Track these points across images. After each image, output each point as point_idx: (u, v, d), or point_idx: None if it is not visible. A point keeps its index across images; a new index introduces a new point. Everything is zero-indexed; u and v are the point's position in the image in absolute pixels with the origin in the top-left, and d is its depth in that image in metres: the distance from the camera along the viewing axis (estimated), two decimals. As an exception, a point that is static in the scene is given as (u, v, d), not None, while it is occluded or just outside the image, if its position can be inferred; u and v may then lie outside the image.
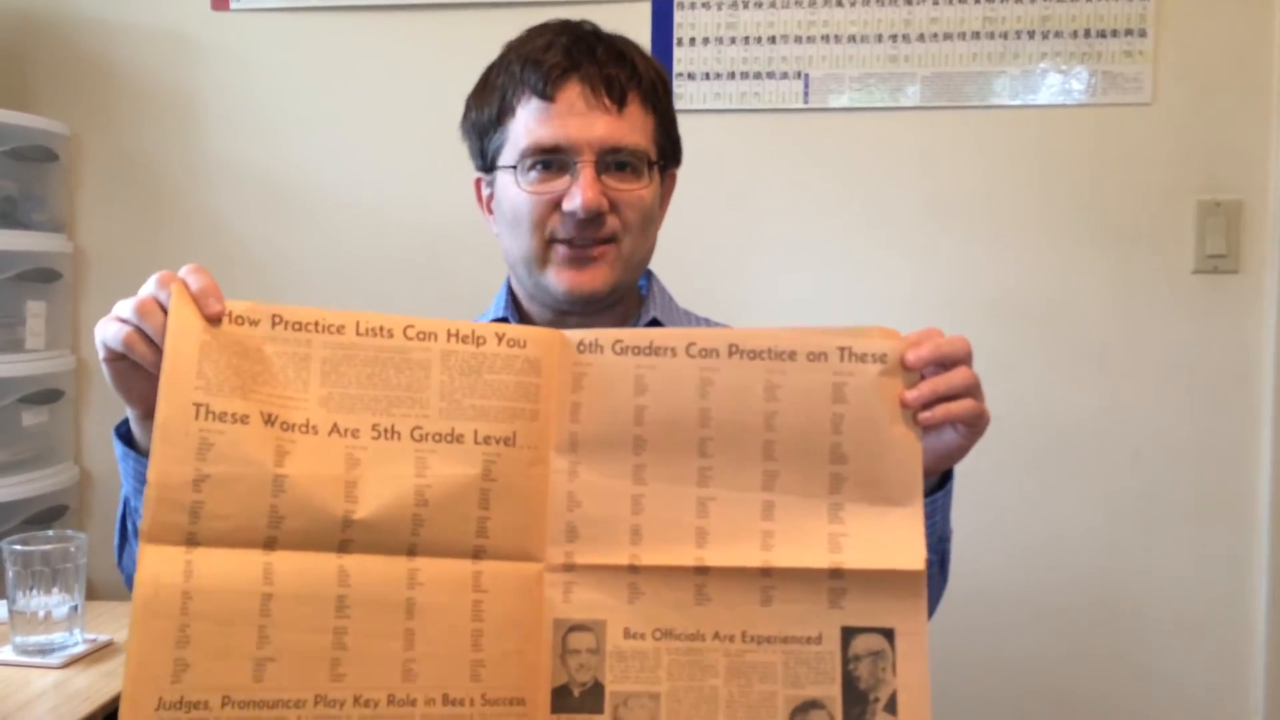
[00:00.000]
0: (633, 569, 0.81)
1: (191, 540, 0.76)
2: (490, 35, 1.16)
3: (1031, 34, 1.91)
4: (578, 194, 1.04)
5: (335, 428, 0.80)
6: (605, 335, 0.85)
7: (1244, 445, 1.91)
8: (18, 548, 1.38)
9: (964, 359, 0.87)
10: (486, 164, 1.13)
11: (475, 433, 0.82)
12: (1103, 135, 1.91)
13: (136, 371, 0.83)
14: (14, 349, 1.91)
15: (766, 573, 0.80)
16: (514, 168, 1.08)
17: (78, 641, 1.42)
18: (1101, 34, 1.90)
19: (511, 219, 1.09)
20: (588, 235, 1.06)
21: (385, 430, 0.81)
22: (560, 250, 1.08)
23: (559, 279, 1.08)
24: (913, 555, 0.80)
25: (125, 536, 0.99)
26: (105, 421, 2.10)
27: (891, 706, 0.79)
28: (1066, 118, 1.92)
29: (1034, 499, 1.95)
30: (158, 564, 0.75)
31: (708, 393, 0.83)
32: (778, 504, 0.82)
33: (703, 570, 0.81)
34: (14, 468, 1.89)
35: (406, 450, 0.81)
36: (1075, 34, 1.90)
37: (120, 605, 1.63)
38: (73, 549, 1.41)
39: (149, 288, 0.82)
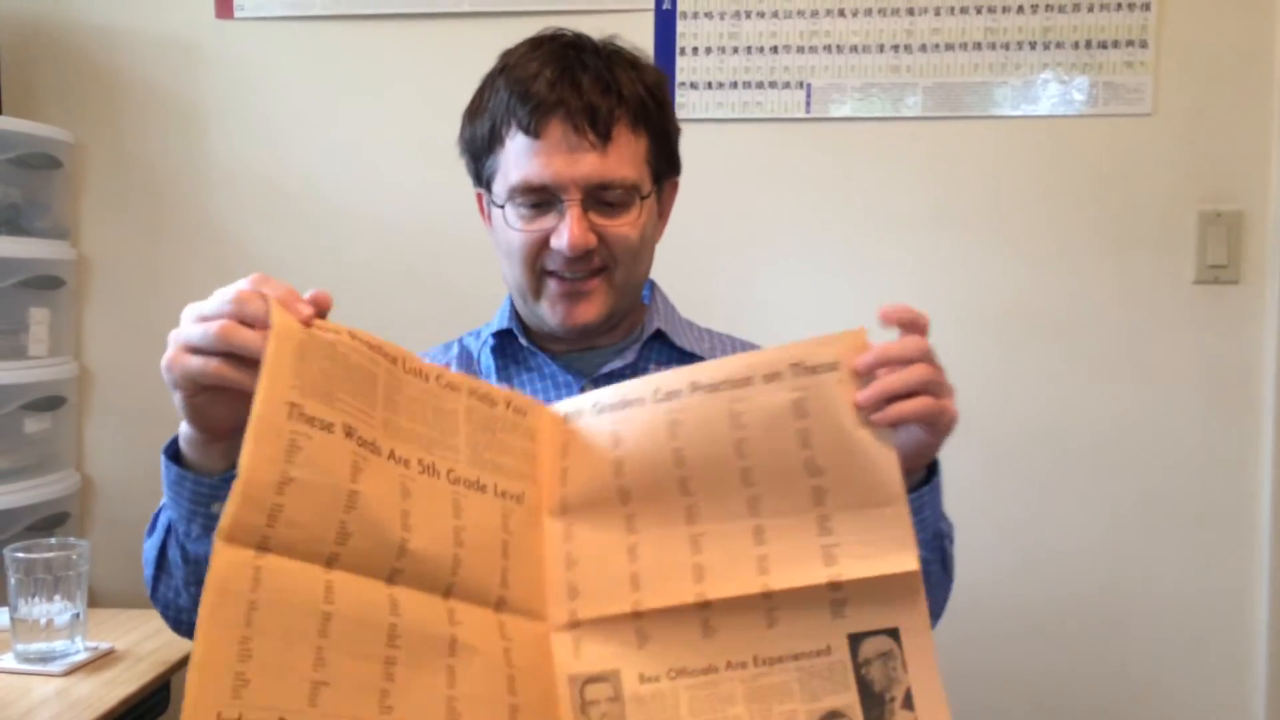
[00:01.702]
0: (637, 615, 0.81)
1: (263, 545, 0.72)
2: (491, 44, 1.16)
3: (1033, 45, 1.91)
4: (564, 233, 1.05)
5: (393, 454, 0.79)
6: (585, 400, 0.87)
7: (1245, 455, 1.91)
8: (20, 555, 1.37)
9: (917, 357, 0.85)
10: (483, 184, 1.14)
11: (495, 485, 0.83)
12: (1104, 145, 1.91)
13: (220, 397, 0.80)
14: (17, 356, 1.91)
15: (767, 596, 0.80)
16: (503, 206, 1.09)
17: (79, 649, 1.42)
18: (1102, 45, 1.90)
19: (505, 250, 1.11)
20: (577, 269, 1.08)
21: (428, 467, 0.80)
22: (553, 284, 1.10)
23: (553, 312, 1.11)
24: (905, 556, 0.79)
25: (164, 567, 0.94)
26: (107, 428, 2.10)
27: (909, 702, 0.79)
28: (1068, 128, 1.92)
29: (1034, 508, 1.95)
30: (229, 568, 0.71)
31: (678, 433, 0.83)
32: (767, 527, 0.82)
33: (705, 605, 0.81)
34: (16, 474, 1.89)
35: (444, 490, 0.80)
36: (1076, 45, 1.90)
37: (122, 613, 1.63)
38: (75, 556, 1.40)
39: (225, 305, 0.78)
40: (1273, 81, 1.88)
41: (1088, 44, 1.90)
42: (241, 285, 0.78)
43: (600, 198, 1.07)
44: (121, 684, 1.34)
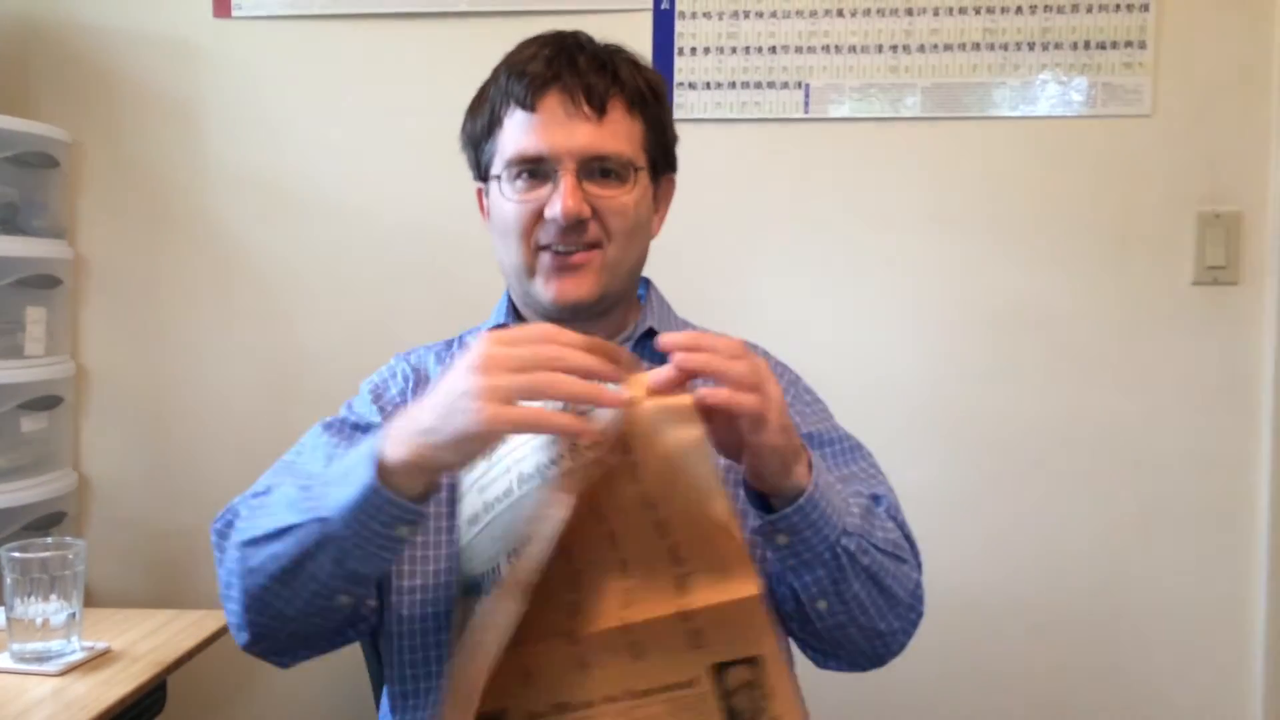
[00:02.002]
0: (519, 651, 0.81)
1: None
2: (490, 44, 1.17)
3: (1031, 45, 1.91)
4: (558, 201, 1.06)
5: None
6: None
7: (1243, 456, 1.91)
8: (16, 555, 1.37)
9: (707, 347, 0.85)
10: (482, 174, 1.15)
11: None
12: (1102, 146, 1.91)
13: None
14: (14, 355, 1.90)
15: (627, 629, 0.81)
16: (499, 178, 1.10)
17: (75, 649, 1.41)
18: (1101, 46, 1.90)
19: (501, 228, 1.12)
20: (570, 242, 1.08)
21: None
22: (546, 258, 1.10)
23: (546, 288, 1.11)
24: (744, 582, 0.79)
25: (293, 583, 0.92)
26: (104, 428, 2.10)
27: None
28: (1066, 129, 1.92)
29: (1032, 509, 1.95)
30: None
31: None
32: (629, 560, 0.82)
33: (574, 640, 0.81)
34: (13, 474, 1.89)
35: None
36: (1075, 45, 1.90)
37: (118, 613, 1.63)
38: (71, 556, 1.40)
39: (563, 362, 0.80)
40: (1271, 83, 1.88)
41: (1086, 45, 1.90)
42: (568, 344, 0.81)
43: (595, 169, 1.08)
44: (118, 684, 1.34)
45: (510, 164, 1.09)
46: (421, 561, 1.07)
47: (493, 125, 1.11)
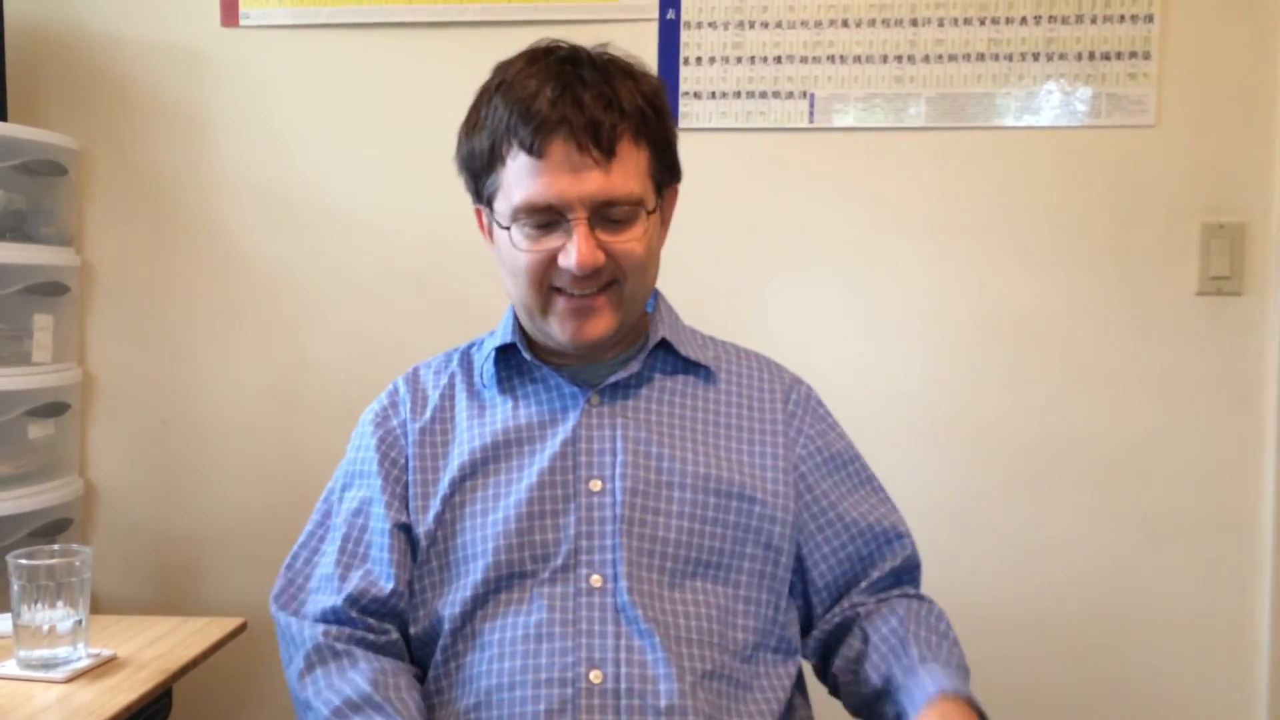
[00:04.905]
0: None
1: None
2: (497, 53, 1.16)
3: (1036, 56, 1.92)
4: (573, 251, 1.06)
5: None
6: None
7: (1248, 466, 1.91)
8: (23, 562, 1.37)
9: None
10: (483, 200, 1.14)
11: None
12: (1107, 157, 1.92)
13: None
14: (21, 362, 1.91)
15: None
16: (508, 228, 1.09)
17: (81, 656, 1.41)
18: (1106, 56, 1.90)
19: (511, 270, 1.11)
20: (586, 286, 1.09)
21: None
22: (561, 301, 1.10)
23: (562, 330, 1.11)
24: None
25: None
26: (111, 435, 2.10)
27: None
28: (1070, 139, 1.92)
29: (1036, 519, 1.95)
30: None
31: None
32: None
33: None
34: (19, 480, 1.89)
35: None
36: (1080, 56, 1.91)
37: (124, 619, 1.63)
38: (78, 563, 1.40)
39: None
40: (1275, 93, 1.89)
41: (1091, 55, 1.91)
42: None
43: (606, 215, 1.07)
44: (123, 691, 1.34)
45: (518, 212, 1.07)
46: (464, 562, 1.11)
47: (494, 160, 1.09)
